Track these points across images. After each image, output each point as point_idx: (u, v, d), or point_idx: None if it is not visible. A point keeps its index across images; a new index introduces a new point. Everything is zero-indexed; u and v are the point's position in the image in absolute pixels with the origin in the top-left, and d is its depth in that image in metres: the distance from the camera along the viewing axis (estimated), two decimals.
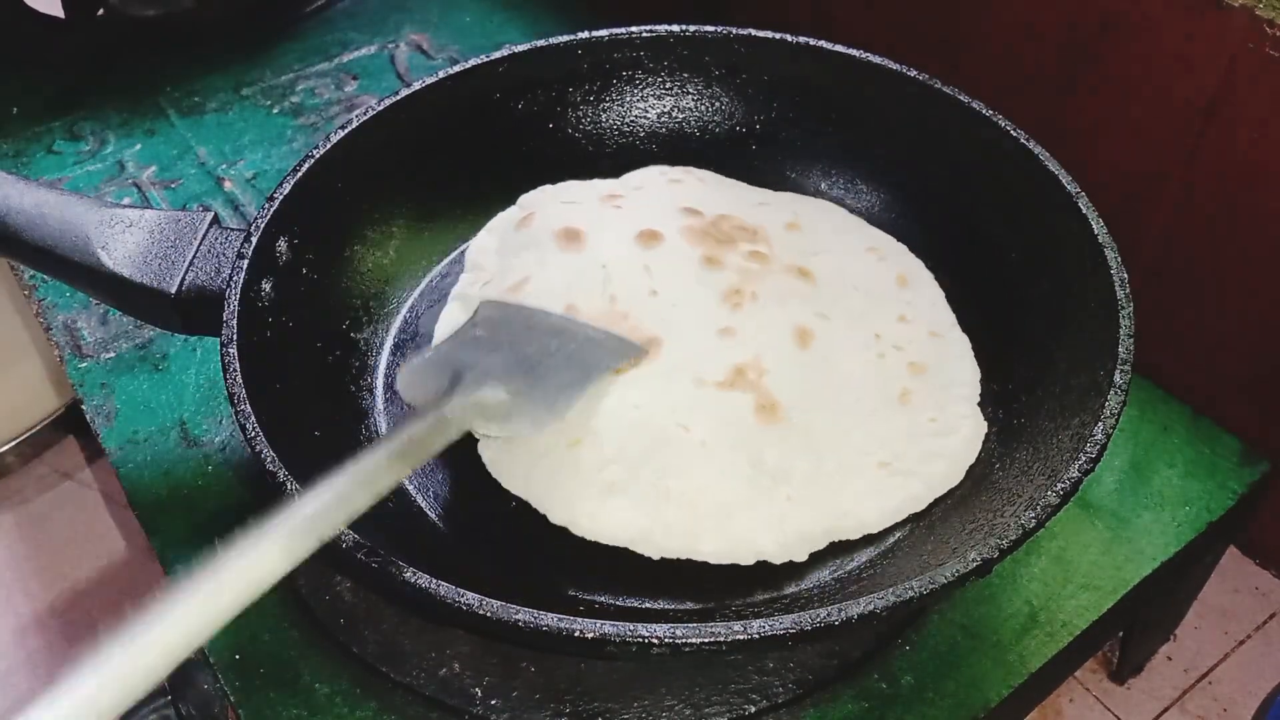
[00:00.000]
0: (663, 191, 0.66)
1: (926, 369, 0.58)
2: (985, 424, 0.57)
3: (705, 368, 0.55)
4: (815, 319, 0.58)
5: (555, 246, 0.61)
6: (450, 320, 0.62)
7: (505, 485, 0.53)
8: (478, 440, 0.56)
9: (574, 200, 0.66)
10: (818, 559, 0.53)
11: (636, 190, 0.66)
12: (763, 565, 0.52)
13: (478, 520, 0.56)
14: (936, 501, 0.54)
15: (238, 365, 0.51)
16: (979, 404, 0.58)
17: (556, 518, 0.52)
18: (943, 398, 0.57)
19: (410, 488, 0.58)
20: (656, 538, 0.51)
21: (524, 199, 0.66)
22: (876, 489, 0.53)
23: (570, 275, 0.59)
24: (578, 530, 0.51)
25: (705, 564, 0.52)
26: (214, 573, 0.34)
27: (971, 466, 0.55)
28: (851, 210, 0.69)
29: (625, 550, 0.52)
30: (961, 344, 0.61)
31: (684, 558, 0.51)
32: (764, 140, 0.72)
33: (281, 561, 0.36)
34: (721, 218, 0.63)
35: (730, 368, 0.55)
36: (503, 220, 0.65)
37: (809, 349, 0.57)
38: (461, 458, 0.55)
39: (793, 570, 0.52)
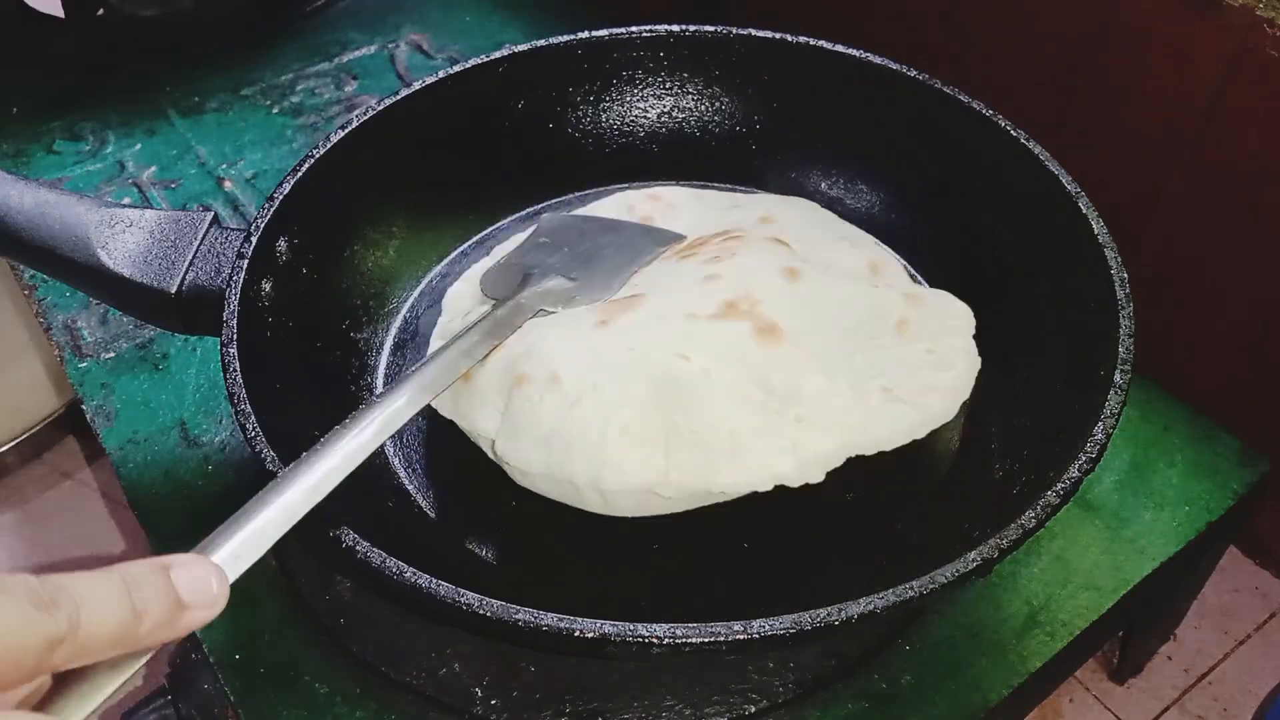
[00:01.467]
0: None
1: (922, 299, 0.58)
2: (979, 360, 0.56)
3: (694, 305, 0.54)
4: (799, 263, 0.57)
5: None
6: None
7: (523, 474, 0.52)
8: (480, 443, 0.55)
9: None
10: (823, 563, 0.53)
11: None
12: (770, 563, 0.52)
13: (478, 521, 0.57)
14: (937, 499, 0.54)
15: (238, 365, 0.51)
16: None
17: (583, 479, 0.51)
18: (939, 329, 0.56)
19: (410, 488, 0.58)
20: (673, 477, 0.50)
21: (498, 249, 0.65)
22: (881, 413, 0.53)
23: None
24: (605, 485, 0.50)
25: (704, 570, 0.52)
26: (357, 418, 0.45)
27: (970, 462, 0.55)
28: (852, 210, 0.69)
29: (626, 555, 0.52)
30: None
31: (701, 494, 0.51)
32: (764, 140, 0.72)
33: (408, 409, 0.47)
34: (692, 245, 0.63)
35: (721, 302, 0.54)
36: (478, 269, 0.64)
37: (799, 282, 0.56)
38: (463, 459, 0.55)
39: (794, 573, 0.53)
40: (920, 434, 0.53)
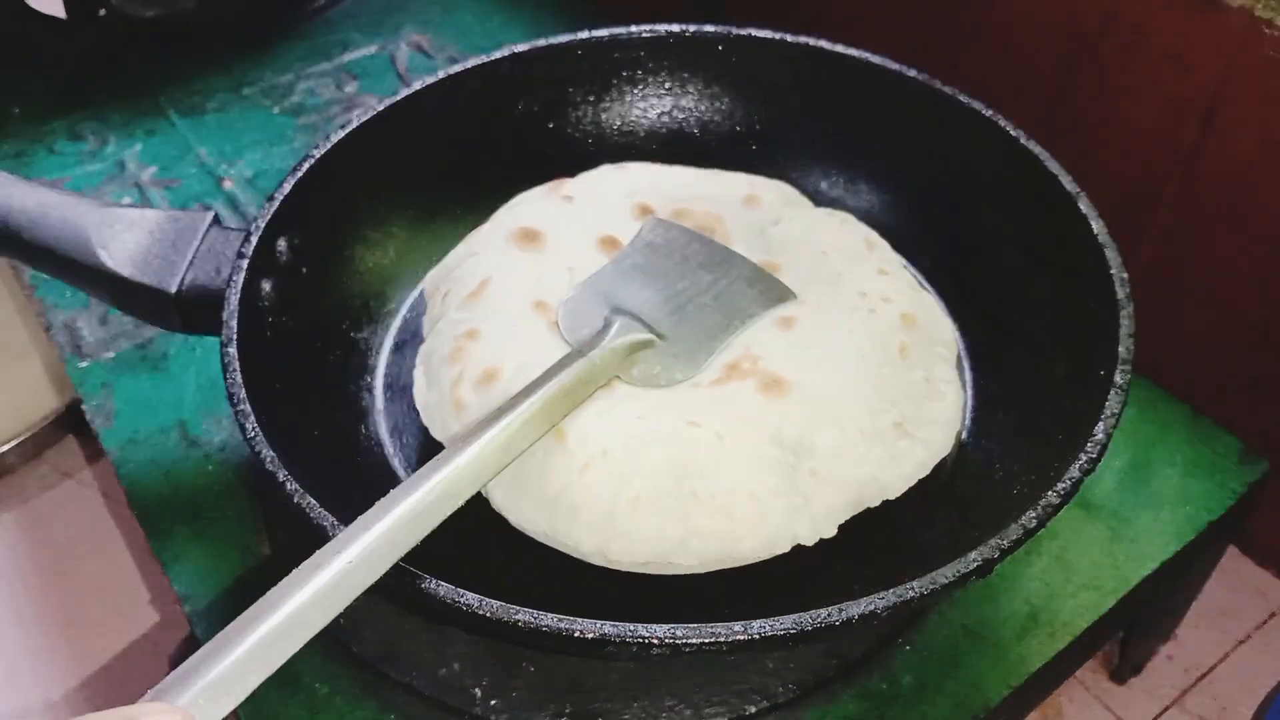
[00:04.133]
0: (613, 182, 0.65)
1: (917, 320, 0.58)
2: (963, 391, 0.56)
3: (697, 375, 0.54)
4: (792, 308, 0.57)
5: (514, 246, 0.60)
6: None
7: (527, 530, 0.51)
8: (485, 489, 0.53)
9: (525, 199, 0.65)
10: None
11: (589, 184, 0.65)
12: (770, 563, 0.52)
13: (477, 521, 0.56)
14: (937, 500, 0.54)
15: (238, 365, 0.51)
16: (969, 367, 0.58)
17: (588, 548, 0.49)
18: (930, 356, 0.56)
19: None
20: (692, 545, 0.49)
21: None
22: (893, 455, 0.52)
23: (534, 275, 0.58)
24: (612, 555, 0.49)
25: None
26: (376, 512, 0.40)
27: (970, 462, 0.55)
28: (851, 210, 0.69)
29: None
30: (936, 302, 0.61)
31: (721, 559, 0.49)
32: (764, 140, 0.72)
33: (440, 506, 0.42)
34: (677, 214, 0.62)
35: (721, 366, 0.54)
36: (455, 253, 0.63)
37: (794, 329, 0.55)
38: None
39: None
40: (926, 471, 0.53)
